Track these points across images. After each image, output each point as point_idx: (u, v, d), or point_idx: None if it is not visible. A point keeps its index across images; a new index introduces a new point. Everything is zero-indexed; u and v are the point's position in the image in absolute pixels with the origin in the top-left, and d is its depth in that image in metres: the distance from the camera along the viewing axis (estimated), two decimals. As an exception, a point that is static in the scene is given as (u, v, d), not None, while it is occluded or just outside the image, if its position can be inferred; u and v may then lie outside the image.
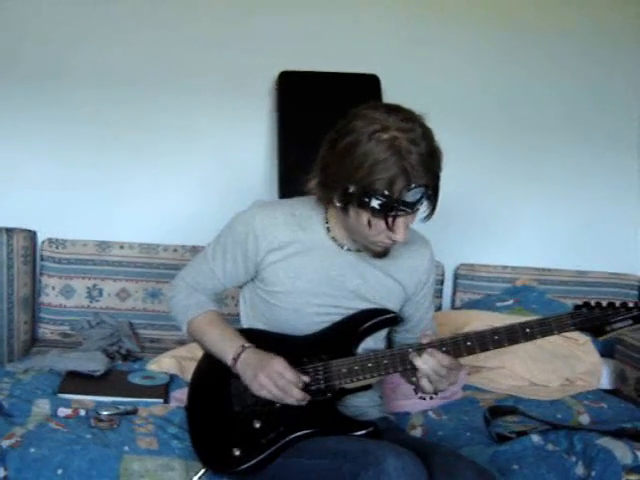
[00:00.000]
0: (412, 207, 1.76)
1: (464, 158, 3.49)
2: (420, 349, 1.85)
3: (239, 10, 3.45)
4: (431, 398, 1.92)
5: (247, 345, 1.94)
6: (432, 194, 1.78)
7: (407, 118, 1.75)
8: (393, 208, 1.74)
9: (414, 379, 1.89)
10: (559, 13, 3.65)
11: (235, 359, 1.92)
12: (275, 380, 1.85)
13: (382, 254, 1.92)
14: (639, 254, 3.80)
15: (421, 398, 1.93)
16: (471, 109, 3.64)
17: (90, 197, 3.44)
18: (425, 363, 1.82)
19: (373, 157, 1.71)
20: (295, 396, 1.85)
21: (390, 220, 1.76)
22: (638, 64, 3.72)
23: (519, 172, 3.72)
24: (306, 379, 1.88)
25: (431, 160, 1.74)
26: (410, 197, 1.74)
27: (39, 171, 3.40)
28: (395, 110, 1.78)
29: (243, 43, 3.45)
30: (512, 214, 3.73)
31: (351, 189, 1.77)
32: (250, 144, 3.51)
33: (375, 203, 1.74)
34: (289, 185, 3.19)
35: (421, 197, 1.75)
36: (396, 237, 1.81)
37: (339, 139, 1.79)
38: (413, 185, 1.72)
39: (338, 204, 1.84)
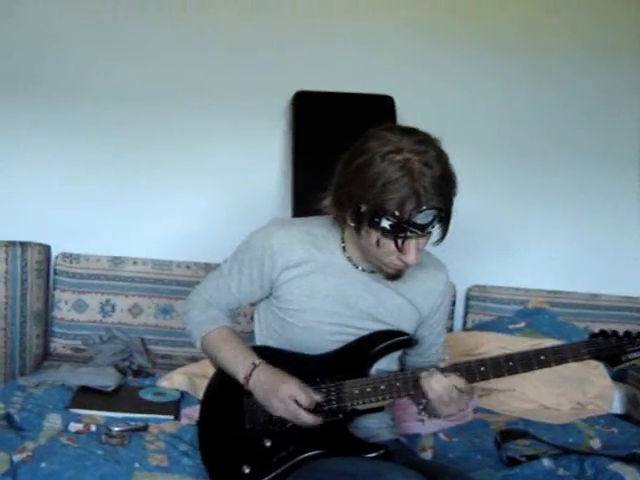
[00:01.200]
0: (423, 229, 1.76)
1: (477, 180, 3.49)
2: (434, 372, 1.85)
3: (255, 31, 3.47)
4: (431, 421, 1.92)
5: (258, 362, 1.93)
6: (444, 217, 1.78)
7: (421, 141, 1.76)
8: (403, 229, 1.74)
9: (424, 400, 1.87)
10: (568, 39, 3.66)
11: (247, 378, 1.92)
12: (287, 404, 1.84)
13: (395, 277, 1.92)
14: (652, 278, 3.78)
15: (419, 420, 1.93)
16: (485, 130, 3.64)
17: (104, 213, 3.46)
18: (438, 383, 1.81)
19: (385, 177, 1.72)
20: (307, 421, 1.84)
21: (400, 241, 1.76)
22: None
23: (532, 194, 3.72)
24: (318, 398, 1.88)
25: (444, 183, 1.74)
26: (421, 219, 1.74)
27: (54, 186, 3.42)
28: (410, 132, 1.79)
29: (259, 63, 3.47)
30: (524, 236, 3.73)
31: (363, 208, 1.77)
32: (265, 163, 3.52)
33: (386, 223, 1.75)
34: (303, 205, 3.19)
35: (432, 220, 1.75)
36: (407, 259, 1.80)
37: (353, 159, 1.80)
38: (424, 207, 1.72)
39: (351, 224, 1.85)
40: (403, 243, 1.77)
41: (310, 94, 3.46)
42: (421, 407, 1.90)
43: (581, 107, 3.71)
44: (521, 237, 3.73)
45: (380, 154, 1.74)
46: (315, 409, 1.86)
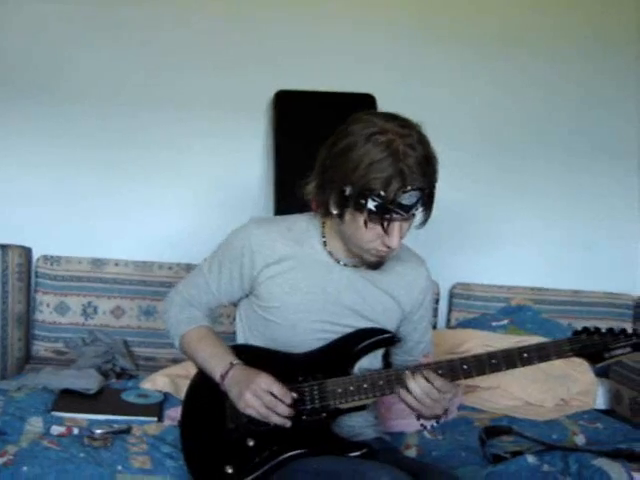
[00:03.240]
0: (407, 210, 1.76)
1: (460, 176, 3.50)
2: (415, 371, 1.85)
3: (236, 30, 3.48)
4: (432, 427, 1.91)
5: (236, 362, 1.92)
6: (427, 200, 1.78)
7: (404, 124, 1.78)
8: (389, 210, 1.74)
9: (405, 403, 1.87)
10: (557, 27, 3.68)
11: (223, 376, 1.90)
12: (261, 397, 1.82)
13: (377, 265, 1.91)
14: (634, 274, 3.80)
15: (422, 426, 1.93)
16: (467, 128, 3.65)
17: (86, 214, 3.44)
18: (418, 385, 1.81)
19: (370, 158, 1.73)
20: (281, 412, 1.83)
21: (385, 223, 1.76)
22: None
23: (515, 192, 3.73)
24: (295, 395, 1.87)
25: (427, 165, 1.76)
26: (406, 200, 1.74)
27: (34, 188, 3.41)
28: (393, 117, 1.80)
29: (240, 62, 3.47)
30: (508, 234, 3.74)
31: (347, 191, 1.77)
32: (246, 162, 3.52)
33: (371, 204, 1.74)
34: (285, 203, 3.19)
35: (417, 201, 1.76)
36: (390, 243, 1.80)
37: (337, 142, 1.81)
38: (409, 187, 1.73)
39: (334, 211, 1.84)
40: (388, 225, 1.77)
41: (291, 93, 3.46)
42: (416, 415, 1.90)
43: (565, 105, 3.73)
44: (504, 235, 3.74)
45: (364, 136, 1.75)
46: (293, 406, 1.85)
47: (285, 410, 1.83)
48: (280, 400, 1.83)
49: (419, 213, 1.80)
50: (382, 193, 1.72)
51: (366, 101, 3.42)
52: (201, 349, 2.00)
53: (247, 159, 3.52)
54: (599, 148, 3.76)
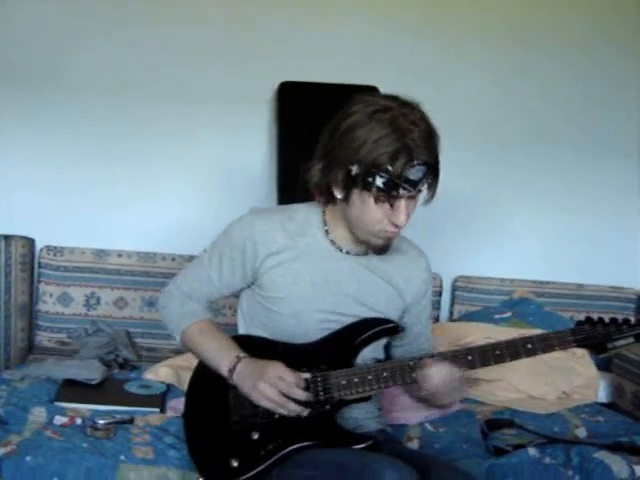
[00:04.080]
0: (415, 186, 1.77)
1: (463, 170, 3.50)
2: (433, 358, 1.85)
3: (240, 22, 3.47)
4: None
5: (242, 355, 1.91)
6: (432, 175, 1.80)
7: (405, 103, 1.81)
8: (397, 185, 1.75)
9: (423, 392, 1.87)
10: (559, 23, 3.66)
11: (231, 370, 1.90)
12: (276, 385, 1.82)
13: (383, 249, 1.92)
14: (638, 268, 3.79)
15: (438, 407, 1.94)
16: (470, 120, 3.64)
17: (89, 205, 3.44)
18: (438, 372, 1.81)
19: (375, 135, 1.74)
20: (299, 397, 1.82)
21: (393, 200, 1.77)
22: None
23: (518, 184, 3.73)
24: (307, 375, 1.86)
25: (431, 139, 1.78)
26: (413, 174, 1.75)
27: (38, 179, 3.41)
28: (394, 97, 1.83)
29: (244, 54, 3.46)
30: (511, 226, 3.74)
31: (354, 170, 1.78)
32: (250, 154, 3.51)
33: (379, 181, 1.75)
34: (288, 194, 3.18)
35: (423, 176, 1.77)
36: (398, 221, 1.80)
37: (341, 122, 1.82)
38: (415, 162, 1.74)
39: (339, 195, 1.84)
40: (396, 201, 1.78)
41: (295, 85, 3.45)
42: (419, 397, 1.90)
43: (567, 100, 3.72)
44: (507, 228, 3.74)
45: (367, 114, 1.77)
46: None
47: (302, 395, 1.83)
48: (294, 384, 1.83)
49: (424, 190, 1.81)
50: (389, 168, 1.73)
51: (369, 93, 3.42)
52: (205, 343, 1.99)
53: (250, 150, 3.52)
54: (602, 143, 3.74)
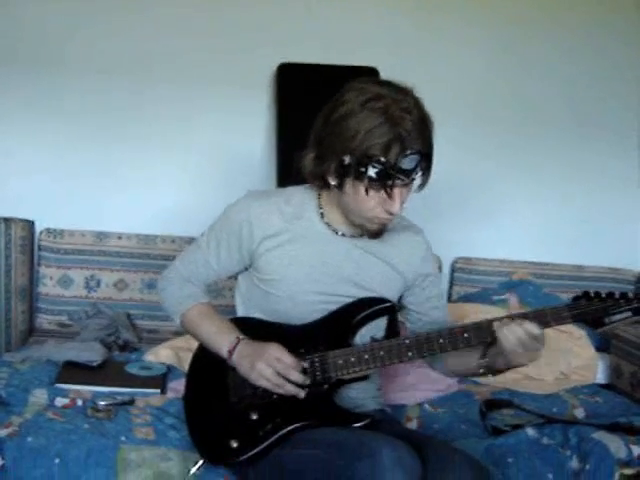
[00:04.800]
0: (408, 175, 1.77)
1: (463, 151, 3.51)
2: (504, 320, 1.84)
3: (239, 3, 3.45)
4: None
5: (242, 337, 1.93)
6: (426, 163, 1.79)
7: (398, 89, 1.79)
8: (390, 175, 1.75)
9: (491, 350, 1.87)
10: (561, 7, 3.64)
11: (231, 352, 1.92)
12: (274, 365, 1.84)
13: (378, 233, 1.93)
14: (636, 249, 3.80)
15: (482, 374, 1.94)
16: (470, 101, 3.63)
17: (88, 187, 3.44)
18: (513, 333, 1.79)
19: (367, 125, 1.73)
20: (295, 379, 1.84)
21: (388, 189, 1.77)
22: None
23: (518, 165, 3.72)
24: (305, 364, 1.88)
25: (424, 127, 1.77)
26: (406, 164, 1.75)
27: (38, 161, 3.40)
28: (386, 83, 1.82)
29: (242, 35, 3.44)
30: (510, 208, 3.73)
31: (347, 160, 1.78)
32: (249, 135, 3.51)
33: (372, 172, 1.75)
34: (288, 176, 3.18)
35: (416, 165, 1.77)
36: (392, 209, 1.81)
37: (333, 111, 1.81)
38: (409, 151, 1.73)
39: (333, 182, 1.85)
40: (391, 190, 1.77)
41: (294, 66, 3.44)
42: (483, 361, 1.91)
43: (566, 79, 3.70)
44: (506, 209, 3.74)
45: (359, 103, 1.76)
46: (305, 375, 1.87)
47: (299, 377, 1.85)
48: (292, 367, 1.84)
49: (418, 177, 1.80)
50: (382, 159, 1.73)
51: (369, 74, 3.40)
52: (205, 325, 2.01)
53: (249, 132, 3.51)
54: (600, 124, 3.73)
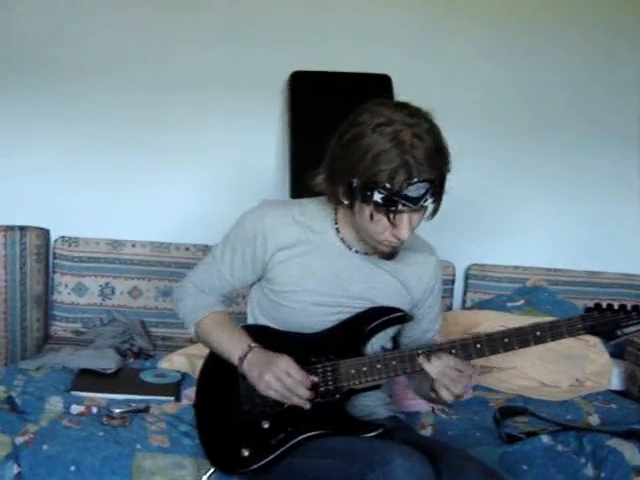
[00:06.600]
0: (415, 203, 1.74)
1: (476, 158, 3.49)
2: (429, 351, 1.85)
3: (252, 10, 3.46)
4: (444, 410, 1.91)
5: (254, 345, 1.93)
6: (436, 191, 1.76)
7: (413, 114, 1.75)
8: (395, 202, 1.72)
9: (432, 394, 1.88)
10: (569, 10, 3.63)
11: (242, 359, 1.92)
12: (282, 379, 1.84)
13: (390, 255, 1.91)
14: (651, 255, 3.78)
15: (440, 410, 1.94)
16: (482, 108, 3.63)
17: (103, 196, 3.45)
18: (435, 367, 1.81)
19: (375, 149, 1.71)
20: (302, 395, 1.84)
21: (392, 215, 1.75)
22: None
23: (531, 172, 3.71)
24: (315, 379, 1.88)
25: (436, 155, 1.73)
26: (413, 192, 1.72)
27: (53, 170, 3.42)
28: (402, 106, 1.78)
29: (256, 43, 3.45)
30: (524, 214, 3.72)
31: (355, 183, 1.76)
32: (262, 143, 3.51)
33: (377, 197, 1.73)
34: (301, 185, 3.18)
35: (425, 193, 1.73)
36: (400, 234, 1.79)
37: (345, 133, 1.80)
38: (415, 179, 1.70)
39: (345, 201, 1.84)
40: (395, 217, 1.76)
41: (307, 74, 3.44)
42: (431, 403, 1.92)
43: (579, 86, 3.69)
44: (520, 215, 3.73)
45: (371, 126, 1.74)
46: (311, 389, 1.87)
47: (305, 393, 1.84)
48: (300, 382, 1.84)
49: (430, 204, 1.78)
50: (388, 185, 1.71)
51: (382, 82, 3.41)
52: (217, 334, 2.02)
53: (263, 140, 3.52)
54: (614, 128, 3.71)
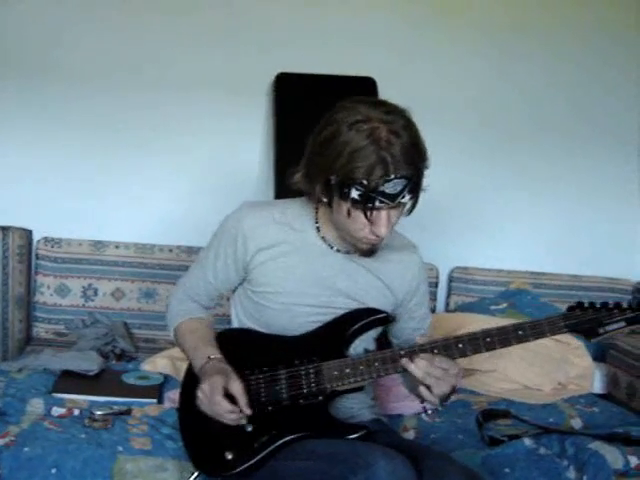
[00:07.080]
0: (392, 199, 1.74)
1: (459, 160, 3.51)
2: (411, 352, 1.85)
3: (238, 12, 3.46)
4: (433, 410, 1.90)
5: (213, 356, 1.94)
6: (414, 187, 1.77)
7: (390, 111, 1.75)
8: (372, 199, 1.72)
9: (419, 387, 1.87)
10: (557, 12, 3.65)
11: (201, 369, 1.93)
12: (201, 398, 1.87)
13: (370, 253, 1.91)
14: (634, 259, 3.80)
15: (424, 410, 1.93)
16: (466, 110, 3.64)
17: (86, 196, 3.44)
18: (418, 367, 1.81)
19: (352, 146, 1.71)
20: (226, 420, 1.85)
21: (369, 212, 1.75)
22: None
23: (514, 175, 3.73)
24: (247, 412, 1.85)
25: (413, 152, 1.73)
26: (389, 188, 1.72)
27: (35, 170, 3.41)
28: (379, 103, 1.79)
29: (241, 44, 3.46)
30: (507, 218, 3.74)
31: (332, 180, 1.76)
32: (247, 145, 3.52)
33: (354, 194, 1.73)
34: (285, 187, 3.18)
35: (402, 190, 1.73)
36: (378, 231, 1.79)
37: (322, 130, 1.80)
38: (392, 176, 1.70)
39: (324, 199, 1.84)
40: (372, 214, 1.76)
41: (292, 76, 3.45)
42: (421, 404, 1.92)
43: (563, 89, 3.71)
44: (503, 219, 3.74)
45: (347, 124, 1.73)
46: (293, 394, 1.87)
47: (229, 419, 1.84)
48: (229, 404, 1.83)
49: (408, 200, 1.78)
50: (364, 182, 1.71)
51: (367, 84, 3.41)
52: (188, 341, 2.04)
53: (247, 142, 3.52)
54: (599, 132, 3.74)
